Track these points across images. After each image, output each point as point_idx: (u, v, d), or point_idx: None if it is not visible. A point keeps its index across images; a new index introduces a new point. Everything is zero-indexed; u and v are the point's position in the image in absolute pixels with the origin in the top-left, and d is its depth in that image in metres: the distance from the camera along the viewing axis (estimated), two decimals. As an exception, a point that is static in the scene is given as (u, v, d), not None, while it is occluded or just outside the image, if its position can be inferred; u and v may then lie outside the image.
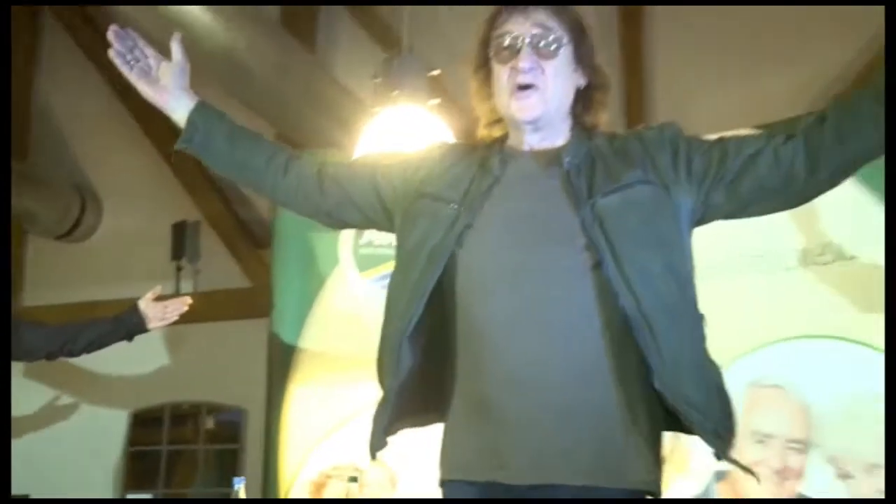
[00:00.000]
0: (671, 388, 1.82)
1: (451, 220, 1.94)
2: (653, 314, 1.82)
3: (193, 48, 4.23)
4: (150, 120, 5.89)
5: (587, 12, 2.10)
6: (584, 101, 2.03)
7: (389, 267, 4.16)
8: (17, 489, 4.89)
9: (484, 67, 2.04)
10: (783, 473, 3.43)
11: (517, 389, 1.85)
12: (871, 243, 3.49)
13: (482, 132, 2.14)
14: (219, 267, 5.78)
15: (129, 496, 5.81)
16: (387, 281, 4.11)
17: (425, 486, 3.67)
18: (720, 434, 1.89)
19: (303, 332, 4.18)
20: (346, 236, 4.31)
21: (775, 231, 3.59)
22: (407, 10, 4.11)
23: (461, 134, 3.80)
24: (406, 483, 3.75)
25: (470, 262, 1.91)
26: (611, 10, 5.24)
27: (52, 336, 3.59)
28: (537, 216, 1.93)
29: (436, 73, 3.80)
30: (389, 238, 4.15)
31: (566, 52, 1.96)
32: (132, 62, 2.18)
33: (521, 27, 1.94)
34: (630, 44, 5.25)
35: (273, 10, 5.82)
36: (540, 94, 1.94)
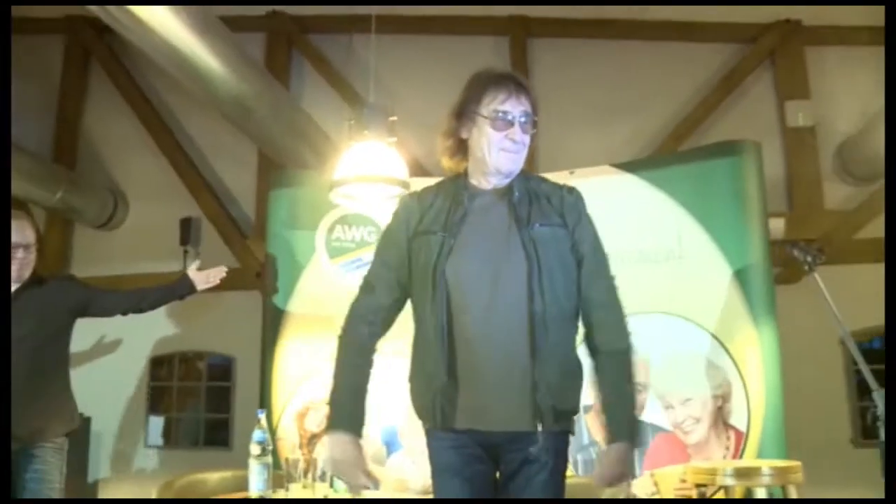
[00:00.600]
0: (542, 367, 1.91)
1: (440, 245, 1.99)
2: (550, 315, 1.93)
3: (212, 94, 4.12)
4: (165, 141, 5.71)
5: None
6: None
7: (352, 255, 4.20)
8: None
9: (466, 115, 2.03)
10: (631, 407, 3.49)
11: (492, 365, 1.93)
12: (693, 248, 3.60)
13: (446, 163, 2.11)
14: (215, 251, 5.65)
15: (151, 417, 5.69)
16: (350, 265, 4.10)
17: (383, 419, 3.68)
18: (558, 409, 1.93)
19: (289, 302, 4.09)
20: (321, 232, 4.22)
21: (630, 236, 3.64)
22: (372, 74, 4.07)
23: (408, 163, 3.77)
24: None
25: (455, 273, 1.97)
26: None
27: (125, 299, 3.47)
28: (493, 235, 2.00)
29: (394, 118, 3.74)
30: (353, 234, 4.15)
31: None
32: None
33: (516, 109, 2.02)
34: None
35: (258, 55, 5.68)
36: (521, 156, 2.06)
